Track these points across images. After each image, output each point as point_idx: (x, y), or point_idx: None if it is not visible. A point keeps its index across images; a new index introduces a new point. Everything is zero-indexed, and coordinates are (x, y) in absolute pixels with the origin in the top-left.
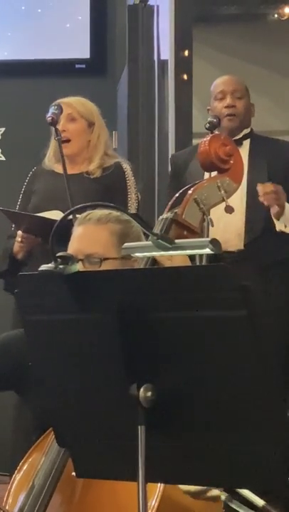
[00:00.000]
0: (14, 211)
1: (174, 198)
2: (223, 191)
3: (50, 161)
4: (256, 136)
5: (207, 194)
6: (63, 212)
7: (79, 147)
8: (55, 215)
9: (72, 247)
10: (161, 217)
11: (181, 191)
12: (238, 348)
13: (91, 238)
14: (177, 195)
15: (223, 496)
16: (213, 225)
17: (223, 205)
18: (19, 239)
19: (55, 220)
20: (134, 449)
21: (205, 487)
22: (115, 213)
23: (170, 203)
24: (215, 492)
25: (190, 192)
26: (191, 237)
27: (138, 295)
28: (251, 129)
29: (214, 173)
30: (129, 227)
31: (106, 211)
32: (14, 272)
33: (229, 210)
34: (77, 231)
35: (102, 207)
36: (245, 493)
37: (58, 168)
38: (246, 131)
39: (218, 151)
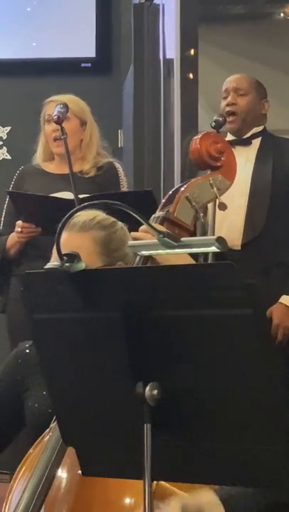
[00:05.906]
0: (22, 192)
1: (166, 196)
2: (215, 189)
3: (40, 158)
4: (268, 135)
5: (199, 192)
6: (73, 194)
7: (72, 146)
8: (66, 196)
9: (55, 254)
10: (153, 215)
11: (173, 189)
12: (243, 347)
13: (74, 247)
14: (170, 193)
15: None
16: (208, 224)
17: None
18: (19, 229)
19: (66, 199)
20: (140, 447)
21: None
22: (99, 218)
23: (163, 202)
24: None
25: (182, 190)
26: (183, 235)
27: (144, 293)
28: (264, 128)
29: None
30: (112, 232)
31: (90, 215)
32: (3, 272)
33: (222, 207)
34: (61, 237)
35: (110, 205)
36: None
37: (49, 167)
38: (256, 129)
39: (209, 148)
